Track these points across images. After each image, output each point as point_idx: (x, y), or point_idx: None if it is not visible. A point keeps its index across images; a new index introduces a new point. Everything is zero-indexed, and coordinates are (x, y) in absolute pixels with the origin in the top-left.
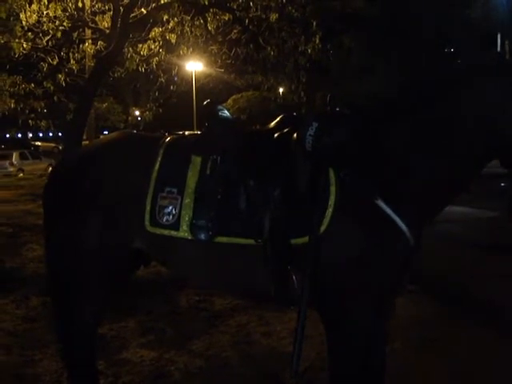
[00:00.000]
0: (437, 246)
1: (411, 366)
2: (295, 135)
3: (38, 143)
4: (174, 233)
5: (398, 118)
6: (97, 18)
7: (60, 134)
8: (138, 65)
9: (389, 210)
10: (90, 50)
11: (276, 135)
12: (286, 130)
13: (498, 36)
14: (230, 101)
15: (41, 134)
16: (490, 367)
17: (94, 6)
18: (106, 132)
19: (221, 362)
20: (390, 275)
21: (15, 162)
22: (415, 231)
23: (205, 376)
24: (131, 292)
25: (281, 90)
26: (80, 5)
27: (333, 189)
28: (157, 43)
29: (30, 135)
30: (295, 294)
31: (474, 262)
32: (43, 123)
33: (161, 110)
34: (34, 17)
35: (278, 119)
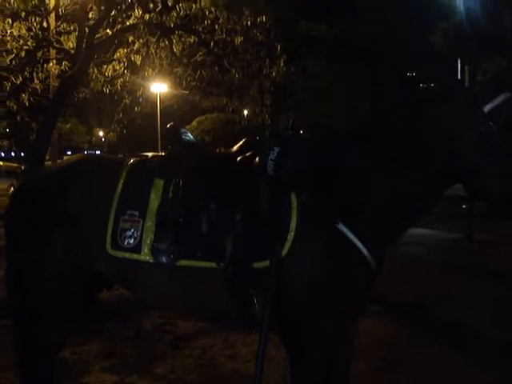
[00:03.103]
0: (400, 267)
1: None
2: (257, 159)
3: (0, 163)
4: (135, 256)
5: (360, 142)
6: (62, 38)
7: (22, 154)
8: (102, 85)
9: (350, 234)
10: (55, 69)
11: (238, 159)
12: (248, 154)
13: (459, 61)
14: (194, 122)
15: (2, 154)
16: None
17: (59, 26)
18: (69, 153)
19: None
20: (352, 299)
21: None
22: (377, 254)
23: None
24: (94, 315)
25: (245, 112)
26: (45, 24)
27: (294, 212)
28: (122, 64)
29: None
30: (257, 318)
31: (437, 282)
32: (5, 143)
33: (125, 131)
34: None
35: (240, 143)
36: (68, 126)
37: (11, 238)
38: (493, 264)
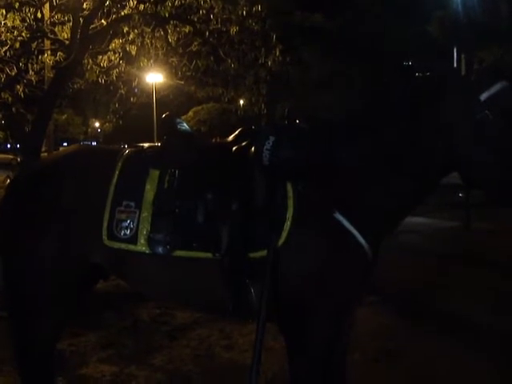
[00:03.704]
0: (397, 257)
1: (371, 377)
2: (253, 149)
3: None
4: (131, 247)
5: (357, 132)
6: (56, 29)
7: (18, 146)
8: (97, 76)
9: (347, 223)
10: (50, 60)
11: (234, 149)
12: (243, 144)
13: (455, 50)
14: (190, 113)
15: None
16: (450, 379)
17: (53, 17)
18: (65, 144)
19: (182, 375)
20: (349, 288)
21: None
22: (373, 244)
23: None
24: (91, 306)
25: (241, 102)
26: (39, 15)
27: (290, 202)
28: (117, 55)
29: None
30: (253, 308)
31: (434, 271)
32: (0, 135)
33: (121, 122)
34: None
35: (236, 132)
36: (64, 117)
37: (6, 230)
38: (490, 253)
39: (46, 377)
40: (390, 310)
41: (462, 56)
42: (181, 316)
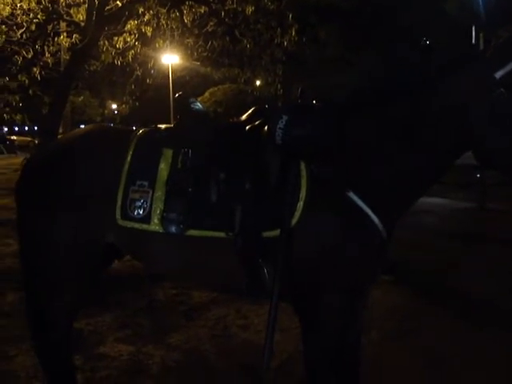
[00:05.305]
0: (412, 237)
1: (387, 356)
2: (266, 128)
3: (14, 137)
4: (145, 226)
5: (370, 110)
6: (72, 11)
7: (36, 128)
8: (113, 58)
9: (360, 202)
10: (65, 42)
11: (247, 128)
12: (257, 123)
13: (473, 28)
14: (206, 94)
15: (16, 128)
16: (463, 357)
17: None
18: (82, 126)
19: (198, 355)
20: (363, 267)
21: None
22: (388, 223)
23: (182, 370)
24: (107, 286)
25: (257, 82)
26: None
27: (304, 181)
28: (132, 36)
29: (6, 129)
30: (267, 287)
31: (450, 252)
32: (18, 117)
33: (137, 104)
34: (8, 9)
35: (249, 112)
36: (80, 99)
37: (22, 211)
38: (504, 233)
39: (63, 355)
40: (405, 289)
41: (481, 35)
42: (197, 296)
